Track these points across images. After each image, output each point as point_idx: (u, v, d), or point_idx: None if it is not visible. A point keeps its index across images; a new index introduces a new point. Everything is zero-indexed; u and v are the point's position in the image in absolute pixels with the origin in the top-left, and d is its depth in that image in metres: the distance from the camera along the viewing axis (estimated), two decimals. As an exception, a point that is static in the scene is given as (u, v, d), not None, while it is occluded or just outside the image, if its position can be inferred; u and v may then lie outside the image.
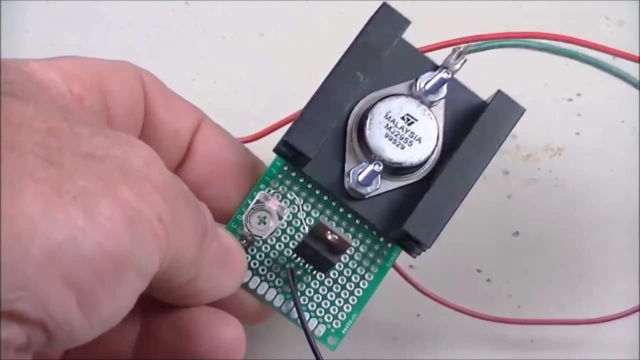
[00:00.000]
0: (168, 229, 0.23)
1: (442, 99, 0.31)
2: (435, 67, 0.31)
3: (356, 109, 0.31)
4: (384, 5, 0.30)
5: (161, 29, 0.41)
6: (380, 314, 0.35)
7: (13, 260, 0.20)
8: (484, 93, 0.32)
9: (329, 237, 0.28)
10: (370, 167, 0.30)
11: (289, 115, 0.32)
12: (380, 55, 0.30)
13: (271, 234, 0.29)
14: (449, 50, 0.31)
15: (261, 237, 0.29)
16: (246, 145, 0.33)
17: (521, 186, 0.39)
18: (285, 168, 0.31)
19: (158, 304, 0.28)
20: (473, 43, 0.31)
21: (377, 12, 0.30)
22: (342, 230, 0.31)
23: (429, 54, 0.31)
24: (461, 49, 0.30)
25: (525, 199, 0.38)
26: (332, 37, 0.41)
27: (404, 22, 0.30)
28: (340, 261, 0.31)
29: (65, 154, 0.22)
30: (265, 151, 0.32)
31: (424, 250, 0.30)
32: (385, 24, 0.30)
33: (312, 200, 0.31)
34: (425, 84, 0.31)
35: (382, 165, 0.30)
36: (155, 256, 0.23)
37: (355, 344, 0.34)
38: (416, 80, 0.31)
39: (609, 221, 0.38)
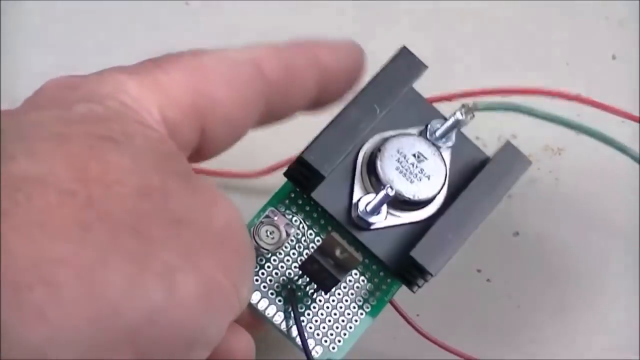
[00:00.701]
0: (241, 293, 0.23)
1: (450, 147, 0.32)
2: (443, 118, 0.32)
3: (366, 145, 0.31)
4: (404, 48, 0.31)
5: (161, 29, 0.41)
6: (380, 314, 0.35)
7: (92, 344, 0.20)
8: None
9: (338, 253, 0.29)
10: (383, 192, 0.30)
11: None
12: (396, 93, 0.31)
13: (278, 248, 0.30)
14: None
15: (268, 250, 0.30)
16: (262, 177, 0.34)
17: (521, 186, 0.38)
18: (293, 195, 0.31)
19: None
20: (480, 101, 0.33)
21: (397, 54, 0.31)
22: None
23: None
24: (470, 106, 0.32)
25: (525, 199, 0.38)
26: (332, 37, 0.41)
27: (421, 66, 0.31)
28: (345, 279, 0.31)
29: (154, 221, 0.21)
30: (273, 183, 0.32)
31: (427, 281, 0.31)
32: (403, 66, 0.31)
33: (317, 228, 0.31)
34: (436, 130, 0.32)
35: (394, 190, 0.30)
36: (226, 324, 0.23)
37: (354, 344, 0.34)
38: (426, 125, 0.32)
39: (609, 221, 0.38)
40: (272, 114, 0.28)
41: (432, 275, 0.30)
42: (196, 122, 0.25)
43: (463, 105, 0.32)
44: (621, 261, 0.37)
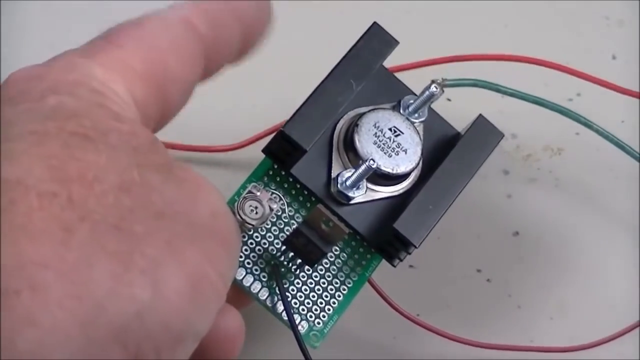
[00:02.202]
0: (227, 281, 0.23)
1: (422, 122, 0.32)
2: (413, 94, 0.33)
3: (341, 121, 0.32)
4: (375, 24, 0.32)
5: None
6: (380, 314, 0.35)
7: (80, 346, 0.20)
8: (485, 93, 0.32)
9: (323, 226, 0.29)
10: (364, 165, 0.30)
11: (278, 124, 0.34)
12: (370, 68, 0.32)
13: (263, 222, 0.29)
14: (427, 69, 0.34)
15: (253, 224, 0.29)
16: (238, 150, 0.33)
17: (521, 186, 0.39)
18: (271, 172, 0.31)
19: None
20: (450, 79, 0.33)
21: (368, 29, 0.32)
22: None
23: (410, 74, 0.34)
24: (439, 82, 0.33)
25: (525, 199, 0.38)
26: (331, 37, 0.41)
27: (393, 42, 0.32)
28: (331, 251, 0.31)
29: (137, 216, 0.21)
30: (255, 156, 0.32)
31: (409, 254, 0.31)
32: (376, 41, 0.32)
33: (297, 204, 0.31)
34: (408, 105, 0.32)
35: (375, 163, 0.30)
36: (213, 315, 0.23)
37: (354, 343, 0.34)
38: (399, 101, 0.32)
39: (609, 221, 0.38)
40: (206, 69, 0.28)
41: (415, 246, 0.30)
42: (158, 94, 0.25)
43: (433, 81, 0.32)
44: (621, 261, 0.37)
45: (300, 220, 0.31)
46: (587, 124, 0.36)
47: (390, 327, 0.35)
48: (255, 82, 0.40)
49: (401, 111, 0.32)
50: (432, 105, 0.33)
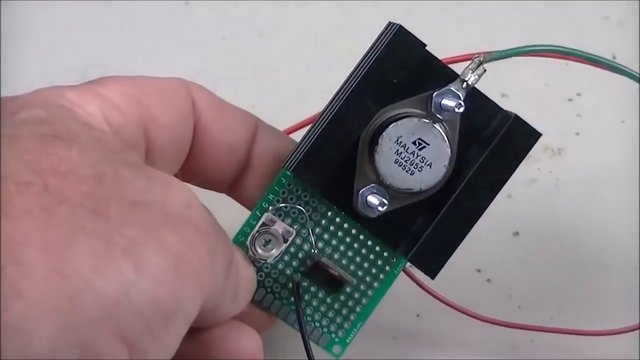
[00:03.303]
0: (208, 270, 0.23)
1: (458, 113, 0.29)
2: (453, 77, 0.30)
3: (368, 127, 0.30)
4: (400, 28, 0.29)
5: (161, 29, 0.41)
6: (380, 314, 0.35)
7: (69, 320, 0.20)
8: (485, 91, 0.31)
9: (331, 272, 0.29)
10: (374, 197, 0.29)
11: (304, 120, 0.33)
12: (393, 82, 0.29)
13: (276, 257, 0.29)
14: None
15: (265, 260, 0.29)
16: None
17: (521, 186, 0.39)
18: (290, 185, 0.30)
19: None
20: (495, 51, 0.30)
21: (393, 35, 0.29)
22: (349, 242, 0.31)
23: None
24: (482, 58, 0.29)
25: (525, 199, 0.38)
26: (332, 37, 0.41)
27: (420, 46, 0.29)
28: (344, 291, 0.31)
29: (111, 202, 0.22)
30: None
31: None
32: (401, 49, 0.29)
33: (321, 209, 0.31)
34: (440, 100, 0.29)
35: (384, 196, 0.29)
36: (198, 299, 0.23)
37: (355, 344, 0.34)
38: (431, 96, 0.29)
39: (609, 221, 0.38)
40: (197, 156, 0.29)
41: (433, 276, 0.30)
42: (139, 128, 0.26)
43: (474, 59, 0.29)
44: (621, 261, 0.37)
45: (319, 232, 0.31)
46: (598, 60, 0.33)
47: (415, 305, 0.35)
48: (255, 82, 0.40)
49: (432, 106, 0.29)
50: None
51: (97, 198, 0.22)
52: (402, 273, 0.32)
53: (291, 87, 0.40)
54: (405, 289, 0.35)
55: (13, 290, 0.20)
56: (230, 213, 0.31)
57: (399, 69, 0.29)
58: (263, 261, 0.29)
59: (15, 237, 0.20)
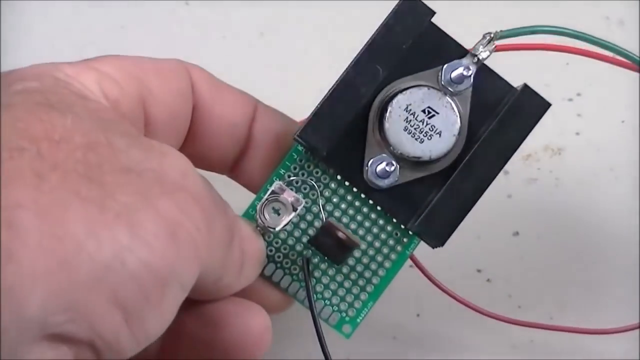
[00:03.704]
0: (205, 238, 0.23)
1: (468, 88, 0.30)
2: (464, 53, 0.30)
3: (379, 97, 0.30)
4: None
5: (161, 29, 0.41)
6: (380, 314, 0.35)
7: (62, 284, 0.20)
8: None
9: (339, 234, 0.29)
10: (384, 165, 0.30)
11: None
12: (402, 49, 0.29)
13: (284, 226, 0.29)
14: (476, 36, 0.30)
15: (274, 228, 0.29)
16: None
17: (521, 186, 0.39)
18: (302, 160, 0.31)
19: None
20: (505, 29, 0.30)
21: (400, 4, 0.29)
22: (361, 220, 0.31)
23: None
24: (492, 35, 0.30)
25: (525, 199, 0.38)
26: (332, 37, 0.41)
27: (429, 13, 0.30)
28: (352, 256, 0.31)
29: (105, 169, 0.22)
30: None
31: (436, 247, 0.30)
32: (409, 17, 0.29)
33: (333, 186, 0.31)
34: (451, 73, 0.30)
35: (394, 166, 0.30)
36: (195, 267, 0.23)
37: (355, 343, 0.34)
38: (442, 69, 0.30)
39: (609, 221, 0.38)
40: (196, 133, 0.29)
41: (439, 246, 0.30)
42: (136, 102, 0.26)
43: (484, 36, 0.30)
44: (621, 261, 0.37)
45: (337, 202, 0.31)
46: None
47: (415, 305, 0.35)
48: (255, 82, 0.40)
49: (443, 81, 0.30)
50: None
51: (91, 165, 0.22)
52: (399, 276, 0.32)
53: (291, 87, 0.40)
54: (405, 289, 0.35)
55: (6, 253, 0.20)
56: (237, 195, 0.31)
57: (408, 36, 0.29)
58: (272, 229, 0.29)
59: (8, 201, 0.20)
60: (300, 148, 0.30)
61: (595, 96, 0.39)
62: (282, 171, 0.30)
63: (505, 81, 0.30)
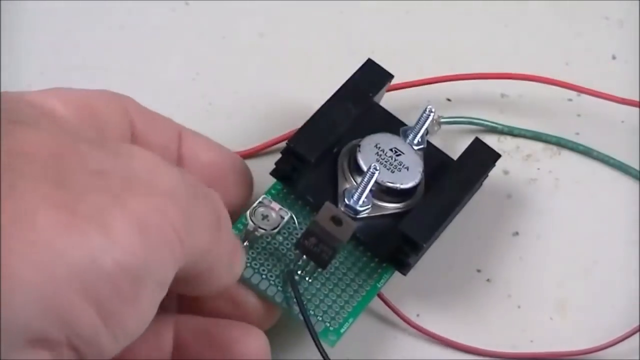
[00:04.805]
0: (180, 232, 0.24)
1: (421, 149, 0.34)
2: (409, 127, 0.35)
3: (343, 150, 0.34)
4: (369, 60, 0.34)
5: (161, 29, 0.41)
6: (381, 314, 0.35)
7: (37, 289, 0.21)
8: (485, 92, 0.32)
9: (332, 224, 0.30)
10: (369, 173, 0.32)
11: (286, 133, 0.36)
12: (367, 96, 0.34)
13: (274, 228, 0.31)
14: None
15: (266, 229, 0.31)
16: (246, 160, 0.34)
17: (521, 186, 0.39)
18: (281, 195, 0.33)
19: (189, 317, 0.30)
20: (446, 117, 0.37)
21: (363, 65, 0.34)
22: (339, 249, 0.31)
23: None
24: (436, 119, 0.36)
25: (525, 199, 0.38)
26: (332, 37, 0.41)
27: (388, 75, 0.34)
28: (343, 247, 0.32)
29: (75, 174, 0.22)
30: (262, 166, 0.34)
31: (418, 257, 0.32)
32: (371, 74, 0.34)
33: (308, 221, 0.32)
34: (407, 134, 0.34)
35: (378, 170, 0.32)
36: (170, 263, 0.24)
37: (355, 343, 0.34)
38: (399, 131, 0.34)
39: (609, 221, 0.38)
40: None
41: (423, 245, 0.31)
42: (92, 122, 0.27)
43: (430, 114, 0.34)
44: (621, 261, 0.37)
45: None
46: (587, 152, 0.39)
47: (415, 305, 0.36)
48: (255, 82, 0.40)
49: (401, 135, 0.34)
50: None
51: (59, 171, 0.22)
52: (399, 275, 0.33)
53: (291, 87, 0.40)
54: (405, 289, 0.35)
55: None
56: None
57: (371, 88, 0.34)
58: (263, 230, 0.31)
59: None
60: (277, 187, 0.33)
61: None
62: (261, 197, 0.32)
63: (447, 155, 0.35)
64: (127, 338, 0.23)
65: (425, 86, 0.38)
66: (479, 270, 0.37)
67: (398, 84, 0.36)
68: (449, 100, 0.40)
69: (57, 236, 0.21)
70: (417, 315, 0.35)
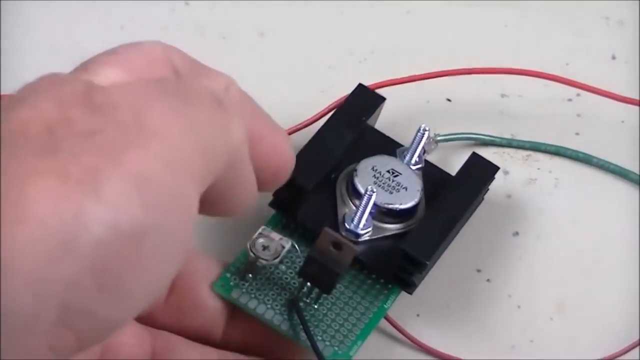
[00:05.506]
0: (182, 175, 0.22)
1: (419, 168, 0.34)
2: (405, 147, 0.35)
3: (341, 174, 0.34)
4: (360, 85, 0.35)
5: (161, 29, 0.41)
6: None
7: (36, 271, 0.20)
8: (485, 94, 0.32)
9: (332, 249, 0.29)
10: (366, 196, 0.32)
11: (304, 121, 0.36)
12: (360, 121, 0.34)
13: (276, 258, 0.31)
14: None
15: (267, 260, 0.31)
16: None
17: (521, 186, 0.39)
18: (281, 225, 0.33)
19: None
20: (442, 135, 0.37)
21: (354, 90, 0.34)
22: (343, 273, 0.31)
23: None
24: (432, 137, 0.35)
25: (525, 199, 0.38)
26: (331, 37, 0.41)
27: (380, 98, 0.35)
28: (347, 272, 0.32)
29: (64, 139, 0.21)
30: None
31: (422, 275, 0.32)
32: (363, 98, 0.34)
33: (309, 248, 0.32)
34: (404, 154, 0.34)
35: (375, 192, 0.32)
36: (176, 215, 0.22)
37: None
38: (395, 152, 0.34)
39: (609, 221, 0.38)
40: None
41: (426, 264, 0.31)
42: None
43: (426, 133, 0.34)
44: (621, 261, 0.37)
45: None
46: (587, 159, 0.39)
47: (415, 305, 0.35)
48: (255, 82, 0.40)
49: (397, 156, 0.34)
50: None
51: (47, 137, 0.21)
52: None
53: (291, 87, 0.40)
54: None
55: None
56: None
57: (364, 110, 0.34)
58: (265, 261, 0.31)
59: None
60: (277, 217, 0.33)
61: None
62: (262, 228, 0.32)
63: (446, 172, 0.35)
64: (136, 301, 0.22)
65: (425, 86, 0.38)
66: (479, 270, 0.37)
67: (397, 79, 0.37)
68: (449, 100, 0.40)
69: (45, 211, 0.20)
70: (417, 315, 0.35)
